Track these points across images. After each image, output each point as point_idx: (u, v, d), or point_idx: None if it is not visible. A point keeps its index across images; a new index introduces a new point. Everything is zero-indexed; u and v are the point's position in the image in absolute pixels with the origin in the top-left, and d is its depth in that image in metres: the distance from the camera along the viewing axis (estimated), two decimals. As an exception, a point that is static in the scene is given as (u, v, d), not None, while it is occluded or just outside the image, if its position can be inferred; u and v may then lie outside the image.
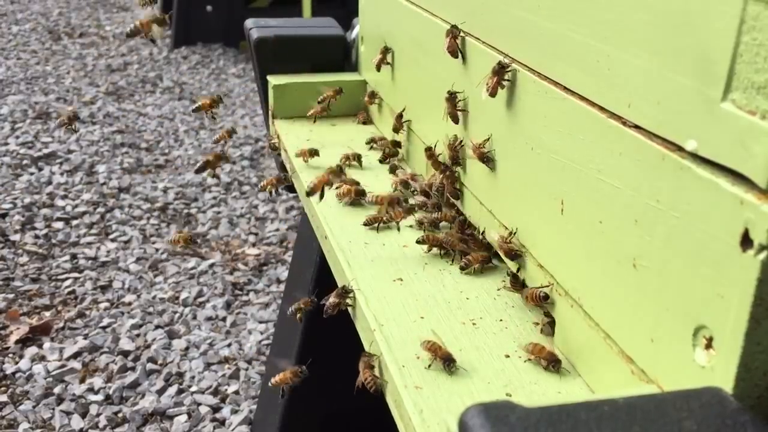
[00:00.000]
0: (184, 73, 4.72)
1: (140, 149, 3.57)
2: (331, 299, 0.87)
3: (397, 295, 0.85)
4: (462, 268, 0.90)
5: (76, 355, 2.13)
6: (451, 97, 0.97)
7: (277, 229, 2.94)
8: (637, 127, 0.62)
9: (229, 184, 3.27)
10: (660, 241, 0.58)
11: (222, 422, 1.92)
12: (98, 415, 1.91)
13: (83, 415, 1.91)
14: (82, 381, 2.03)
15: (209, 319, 2.35)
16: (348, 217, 1.05)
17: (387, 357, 0.74)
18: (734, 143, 0.51)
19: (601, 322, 0.68)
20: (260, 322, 2.34)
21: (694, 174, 0.54)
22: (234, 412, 1.95)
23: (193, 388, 2.03)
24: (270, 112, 1.42)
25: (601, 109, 0.67)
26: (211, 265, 2.65)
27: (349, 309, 0.88)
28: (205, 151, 3.58)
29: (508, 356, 0.76)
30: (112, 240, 2.78)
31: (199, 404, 1.97)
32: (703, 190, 0.53)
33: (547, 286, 0.77)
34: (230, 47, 5.24)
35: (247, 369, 2.12)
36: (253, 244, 2.84)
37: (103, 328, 2.27)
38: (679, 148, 0.57)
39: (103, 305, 2.38)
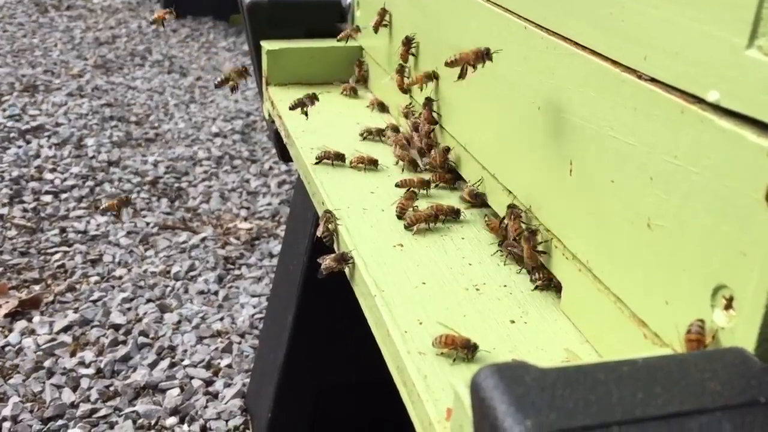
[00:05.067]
0: (174, 47, 4.65)
1: (130, 123, 3.52)
2: (328, 262, 0.84)
3: (398, 261, 0.83)
4: None
5: (66, 329, 2.09)
6: None
7: (269, 204, 2.91)
8: (653, 80, 0.59)
9: (221, 158, 3.23)
10: (678, 198, 0.56)
11: (215, 395, 1.90)
12: (89, 388, 1.89)
13: (74, 389, 1.89)
14: (72, 354, 2.00)
15: (201, 293, 2.33)
16: (346, 182, 1.02)
17: (389, 323, 0.72)
18: (760, 92, 0.48)
19: (611, 285, 0.66)
20: (253, 296, 2.32)
21: (716, 126, 0.52)
22: (227, 385, 1.93)
23: (186, 362, 2.01)
24: (264, 79, 1.38)
25: (614, 63, 0.64)
26: (203, 239, 2.62)
27: (347, 274, 0.85)
28: (195, 125, 3.54)
29: (513, 322, 0.73)
30: (102, 214, 2.74)
31: (192, 378, 1.95)
32: (725, 142, 0.51)
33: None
34: (220, 20, 5.16)
35: (240, 342, 2.10)
36: (245, 219, 2.80)
37: (94, 301, 2.23)
38: (700, 100, 0.54)
39: (93, 279, 2.35)
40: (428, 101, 1.01)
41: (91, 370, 1.95)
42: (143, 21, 5.10)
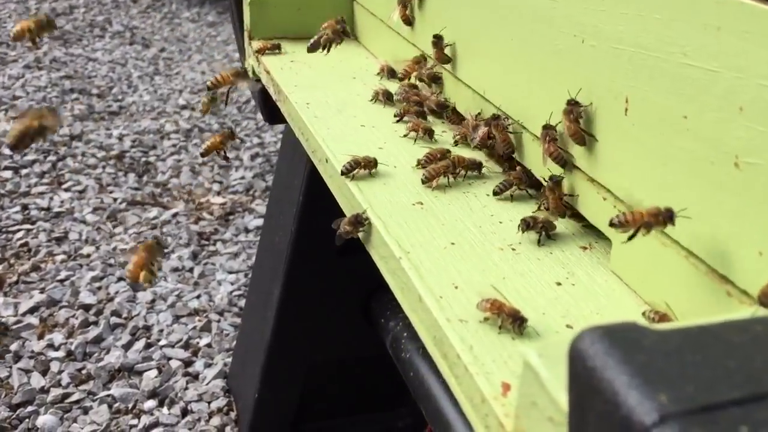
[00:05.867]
0: (135, 17, 4.47)
1: (91, 95, 3.36)
2: (344, 227, 0.75)
3: (420, 220, 0.74)
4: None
5: (32, 310, 1.97)
6: None
7: (243, 177, 2.79)
8: (743, -7, 0.50)
9: (189, 131, 3.09)
10: (779, 129, 0.48)
11: (195, 376, 1.80)
12: (60, 372, 1.77)
13: (44, 373, 1.77)
14: (40, 337, 1.88)
15: (175, 270, 2.21)
16: (350, 138, 0.92)
17: (420, 288, 0.63)
18: None
19: (681, 238, 0.57)
20: (230, 273, 2.21)
21: (838, 38, 0.43)
22: (207, 365, 1.83)
23: (162, 342, 1.90)
24: (246, 33, 1.27)
25: (688, -21, 0.55)
26: (175, 215, 2.50)
27: (362, 238, 0.76)
28: (161, 97, 3.39)
29: (559, 284, 0.65)
30: (66, 189, 2.60)
31: (170, 358, 1.84)
32: None
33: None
34: (183, -10, 4.98)
35: (219, 321, 1.99)
36: (218, 193, 2.69)
37: (61, 281, 2.11)
38: (811, 11, 0.46)
39: (59, 258, 2.22)
40: (437, 39, 0.92)
41: (61, 353, 1.83)
42: (102, -9, 4.90)
